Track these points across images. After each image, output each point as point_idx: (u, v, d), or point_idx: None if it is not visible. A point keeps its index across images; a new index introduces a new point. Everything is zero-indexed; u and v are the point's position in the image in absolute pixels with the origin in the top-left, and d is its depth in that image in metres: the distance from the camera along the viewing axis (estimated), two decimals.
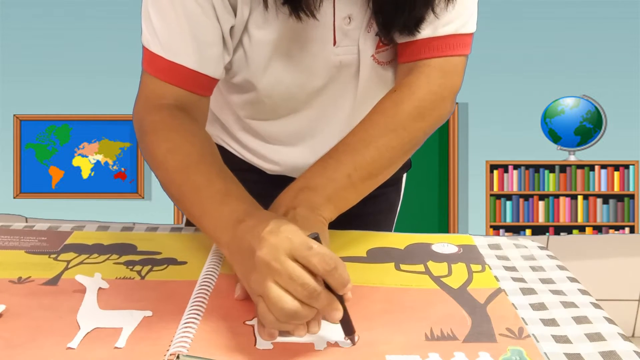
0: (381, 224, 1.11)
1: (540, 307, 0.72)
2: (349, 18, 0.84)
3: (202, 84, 0.84)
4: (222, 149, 1.05)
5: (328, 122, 0.96)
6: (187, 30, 0.81)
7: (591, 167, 2.50)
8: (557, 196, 2.50)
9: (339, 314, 0.61)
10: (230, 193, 0.73)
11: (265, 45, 0.85)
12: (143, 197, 2.86)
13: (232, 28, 0.84)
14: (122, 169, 2.78)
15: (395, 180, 1.12)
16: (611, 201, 2.52)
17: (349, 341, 0.63)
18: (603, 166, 2.51)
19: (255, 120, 0.98)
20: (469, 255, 0.84)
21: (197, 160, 0.77)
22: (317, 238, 0.61)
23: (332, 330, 0.64)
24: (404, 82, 0.87)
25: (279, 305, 0.59)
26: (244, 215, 0.68)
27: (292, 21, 0.81)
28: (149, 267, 0.79)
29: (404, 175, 1.16)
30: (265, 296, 0.60)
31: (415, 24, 0.83)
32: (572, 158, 2.51)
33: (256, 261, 0.61)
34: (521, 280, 0.79)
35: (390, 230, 1.13)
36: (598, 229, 2.52)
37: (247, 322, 0.65)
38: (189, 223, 0.90)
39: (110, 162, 2.80)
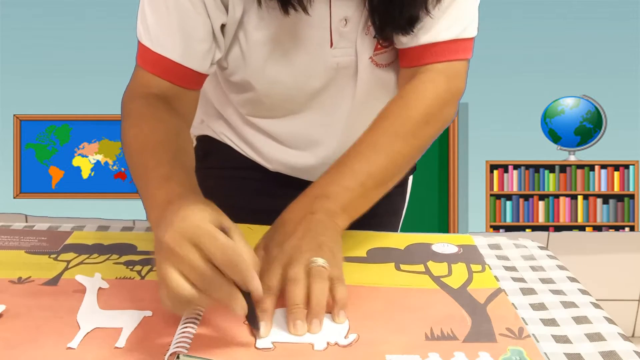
0: (385, 227, 1.10)
1: (540, 307, 0.73)
2: (345, 20, 0.84)
3: (187, 78, 0.85)
4: (226, 147, 1.05)
5: (328, 124, 0.96)
6: (176, 24, 0.82)
7: (591, 167, 2.50)
8: (557, 196, 2.50)
9: (240, 309, 0.60)
10: (173, 178, 0.72)
11: (262, 45, 0.85)
12: None
13: (223, 26, 0.84)
14: (122, 169, 2.77)
15: (400, 183, 1.12)
16: (611, 201, 2.51)
17: (348, 340, 0.63)
18: (603, 166, 2.50)
19: (256, 117, 0.99)
20: (469, 255, 0.84)
21: (154, 146, 0.77)
22: (226, 232, 0.60)
23: (332, 330, 0.64)
24: (409, 88, 0.87)
25: (176, 291, 0.58)
26: (176, 197, 0.67)
27: (289, 22, 0.82)
28: (149, 267, 0.79)
29: (410, 179, 1.16)
30: (164, 280, 0.59)
31: (408, 23, 0.83)
32: (572, 158, 2.51)
33: (162, 245, 0.60)
34: (521, 280, 0.79)
35: None
36: (598, 228, 2.52)
37: (246, 322, 0.65)
38: None
39: (110, 162, 2.80)
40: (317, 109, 0.94)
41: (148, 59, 0.85)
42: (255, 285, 0.60)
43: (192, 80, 0.86)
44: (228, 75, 0.92)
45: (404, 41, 0.86)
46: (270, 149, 1.01)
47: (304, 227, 0.75)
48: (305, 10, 0.80)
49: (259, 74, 0.88)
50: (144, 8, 0.84)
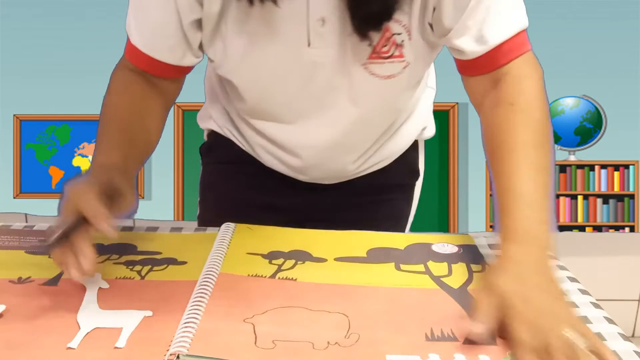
0: (388, 231, 1.09)
1: None
2: (323, 20, 0.83)
3: (157, 68, 0.90)
4: (228, 141, 1.07)
5: (317, 130, 0.95)
6: (143, 16, 0.87)
7: (591, 167, 2.51)
8: (557, 196, 2.50)
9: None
10: (111, 148, 0.84)
11: (239, 38, 0.85)
12: (143, 197, 2.87)
13: (199, 21, 0.85)
14: None
15: (404, 188, 1.11)
16: (611, 201, 2.52)
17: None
18: (603, 166, 2.51)
19: (247, 116, 0.99)
20: (469, 255, 0.84)
21: (111, 117, 0.88)
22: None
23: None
24: (513, 94, 0.84)
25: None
26: (105, 159, 0.81)
27: (266, 16, 0.82)
28: (149, 267, 0.79)
29: (416, 184, 1.14)
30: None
31: (379, 17, 0.81)
32: (572, 158, 2.51)
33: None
34: None
35: None
36: (598, 229, 2.52)
37: (246, 320, 0.65)
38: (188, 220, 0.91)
39: None
40: (304, 117, 0.93)
41: (127, 46, 0.90)
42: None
43: (164, 70, 0.90)
44: (216, 69, 0.94)
45: (470, 49, 0.84)
46: (264, 146, 1.01)
47: (532, 283, 0.69)
48: (274, 1, 0.80)
49: (237, 68, 0.89)
50: None
